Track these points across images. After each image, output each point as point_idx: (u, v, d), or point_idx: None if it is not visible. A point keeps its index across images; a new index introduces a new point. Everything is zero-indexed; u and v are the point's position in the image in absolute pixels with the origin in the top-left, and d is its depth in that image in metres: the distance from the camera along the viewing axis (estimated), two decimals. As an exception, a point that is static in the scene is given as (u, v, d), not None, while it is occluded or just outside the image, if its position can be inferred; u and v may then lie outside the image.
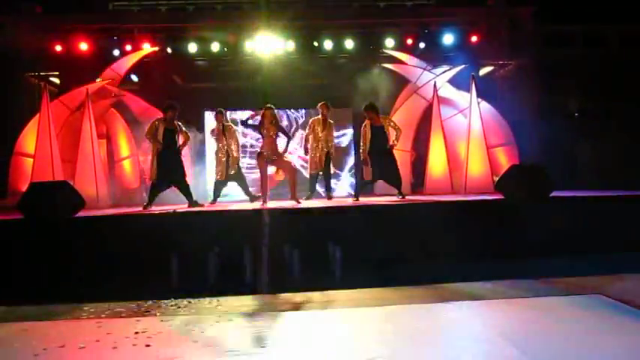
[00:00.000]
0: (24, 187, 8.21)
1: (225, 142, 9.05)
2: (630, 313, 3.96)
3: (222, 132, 9.08)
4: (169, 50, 11.82)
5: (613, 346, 3.27)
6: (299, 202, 7.89)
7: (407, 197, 8.43)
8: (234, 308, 4.69)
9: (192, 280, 5.73)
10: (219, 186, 9.22)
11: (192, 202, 8.23)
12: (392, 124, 8.58)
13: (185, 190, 8.33)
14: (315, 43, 11.76)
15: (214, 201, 9.14)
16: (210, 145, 10.02)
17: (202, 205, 8.22)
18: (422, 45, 12.10)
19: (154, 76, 11.84)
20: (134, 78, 12.23)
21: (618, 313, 3.97)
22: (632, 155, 11.33)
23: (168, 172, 8.14)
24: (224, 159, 9.06)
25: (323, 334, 3.77)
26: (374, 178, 8.68)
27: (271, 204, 8.01)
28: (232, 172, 9.09)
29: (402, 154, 11.54)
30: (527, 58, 12.25)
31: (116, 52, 11.81)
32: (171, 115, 8.22)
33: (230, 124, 9.35)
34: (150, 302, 4.92)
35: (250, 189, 9.37)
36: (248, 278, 5.86)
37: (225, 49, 11.74)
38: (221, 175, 9.10)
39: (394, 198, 8.38)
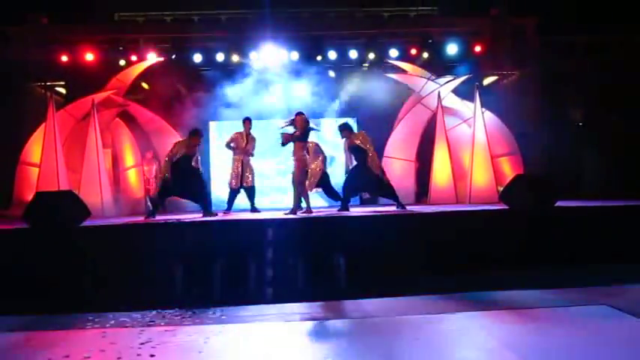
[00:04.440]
0: (29, 197, 8.23)
1: (244, 151, 9.09)
2: (637, 324, 3.93)
3: (246, 140, 9.12)
4: (174, 60, 11.88)
5: (619, 357, 3.24)
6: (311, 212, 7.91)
7: (407, 208, 8.42)
8: (238, 319, 4.69)
9: (197, 290, 5.74)
10: (233, 195, 9.24)
11: (207, 212, 8.23)
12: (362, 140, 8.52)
13: (201, 201, 8.35)
14: (317, 53, 11.79)
15: (229, 210, 9.16)
16: (217, 154, 9.90)
17: (216, 215, 8.23)
18: (425, 55, 12.11)
19: (159, 86, 11.88)
20: (145, 85, 12.23)
21: (624, 325, 3.94)
22: (637, 165, 11.29)
23: (181, 184, 8.18)
24: (240, 168, 9.09)
25: (322, 344, 3.76)
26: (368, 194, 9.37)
27: (273, 214, 8.02)
28: (247, 180, 9.10)
29: (405, 164, 11.57)
30: (531, 68, 12.27)
31: (122, 63, 11.88)
32: (196, 141, 8.31)
33: (252, 134, 9.32)
34: (154, 312, 4.92)
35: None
36: (252, 288, 5.86)
37: (230, 59, 11.80)
38: (235, 184, 9.14)
39: (394, 209, 8.37)
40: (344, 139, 8.72)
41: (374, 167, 8.33)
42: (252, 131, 9.31)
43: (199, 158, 8.52)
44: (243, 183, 9.19)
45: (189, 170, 8.21)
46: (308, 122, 8.01)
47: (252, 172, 9.26)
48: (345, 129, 8.66)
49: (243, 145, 9.13)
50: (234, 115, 11.53)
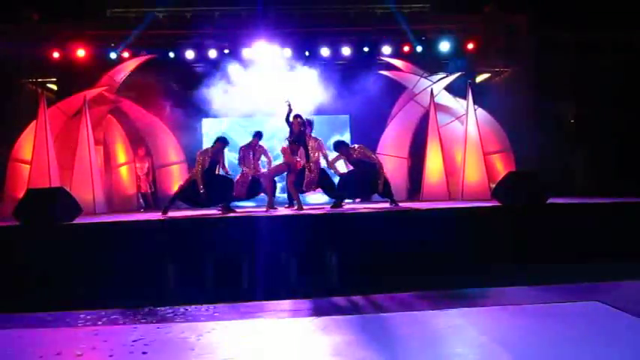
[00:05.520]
0: (21, 194, 8.19)
1: (252, 164, 8.89)
2: (628, 320, 3.96)
3: (253, 154, 8.90)
4: (167, 57, 11.82)
5: (610, 353, 3.27)
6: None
7: (400, 204, 8.44)
8: (231, 316, 4.68)
9: (189, 286, 5.73)
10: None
11: (225, 208, 8.23)
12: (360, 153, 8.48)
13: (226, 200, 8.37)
14: (309, 50, 11.79)
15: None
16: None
17: (234, 211, 8.23)
18: (418, 51, 12.10)
19: (151, 83, 11.82)
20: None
21: (615, 321, 3.97)
22: (627, 162, 11.37)
23: (211, 194, 8.09)
24: (248, 180, 8.84)
25: (315, 341, 3.76)
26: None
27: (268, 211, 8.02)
28: (254, 189, 8.92)
29: (398, 161, 11.60)
30: (524, 66, 12.30)
31: (113, 59, 11.79)
32: (218, 148, 8.24)
33: (262, 145, 9.13)
34: (146, 309, 4.91)
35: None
36: (245, 285, 5.87)
37: (223, 55, 11.76)
38: (239, 193, 8.80)
39: (387, 205, 8.39)
40: (340, 155, 8.59)
41: (380, 172, 8.33)
42: (260, 143, 9.12)
43: (225, 163, 8.48)
44: (254, 192, 9.00)
45: (215, 176, 8.22)
46: (304, 126, 8.04)
47: (259, 182, 8.96)
48: (340, 146, 8.55)
49: (251, 160, 8.88)
50: (226, 113, 11.51)
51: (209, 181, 8.03)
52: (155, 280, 5.75)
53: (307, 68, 11.25)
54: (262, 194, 9.22)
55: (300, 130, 7.96)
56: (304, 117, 8.29)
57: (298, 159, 8.11)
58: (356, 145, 8.61)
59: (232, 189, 8.38)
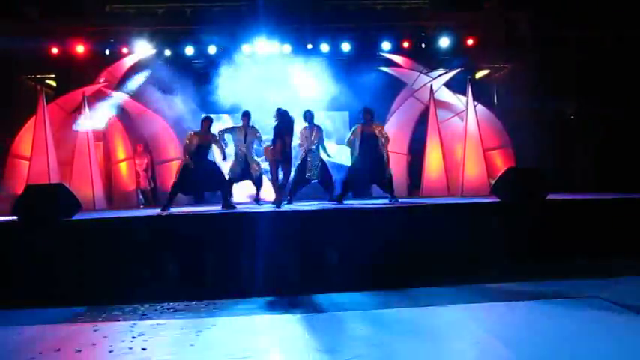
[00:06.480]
0: (20, 190, 8.17)
1: (244, 144, 8.86)
2: (627, 316, 3.97)
3: (245, 133, 8.89)
4: (166, 53, 11.80)
5: (610, 349, 3.27)
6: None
7: (400, 201, 8.43)
8: (231, 312, 4.69)
9: (189, 283, 5.73)
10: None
11: (226, 204, 8.11)
12: (382, 131, 8.54)
13: (222, 189, 8.26)
14: (309, 46, 11.79)
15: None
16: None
17: (235, 207, 8.14)
18: (418, 48, 12.09)
19: (150, 79, 11.79)
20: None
21: (615, 317, 3.98)
22: (628, 158, 11.36)
23: (199, 179, 8.03)
24: (241, 160, 8.84)
25: (315, 337, 3.76)
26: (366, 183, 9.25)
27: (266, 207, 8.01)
28: (249, 172, 8.91)
29: (398, 157, 11.58)
30: (524, 62, 12.28)
31: (113, 55, 11.76)
32: (204, 128, 8.21)
33: (254, 126, 9.09)
34: (147, 305, 4.91)
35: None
36: (245, 281, 5.86)
37: (223, 51, 11.73)
38: (233, 175, 8.81)
39: (387, 201, 8.38)
40: (362, 124, 8.53)
41: (385, 157, 8.36)
42: (253, 125, 9.08)
43: (223, 146, 8.48)
44: (247, 175, 8.95)
45: (206, 162, 8.15)
46: (286, 118, 8.02)
47: (257, 164, 9.01)
48: (368, 113, 8.51)
49: (242, 139, 8.85)
50: (226, 108, 11.48)
51: (199, 167, 7.93)
52: (155, 276, 5.74)
53: (307, 64, 11.23)
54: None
55: (286, 121, 7.95)
56: (303, 112, 8.37)
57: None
58: (380, 124, 8.61)
59: (223, 175, 8.30)
